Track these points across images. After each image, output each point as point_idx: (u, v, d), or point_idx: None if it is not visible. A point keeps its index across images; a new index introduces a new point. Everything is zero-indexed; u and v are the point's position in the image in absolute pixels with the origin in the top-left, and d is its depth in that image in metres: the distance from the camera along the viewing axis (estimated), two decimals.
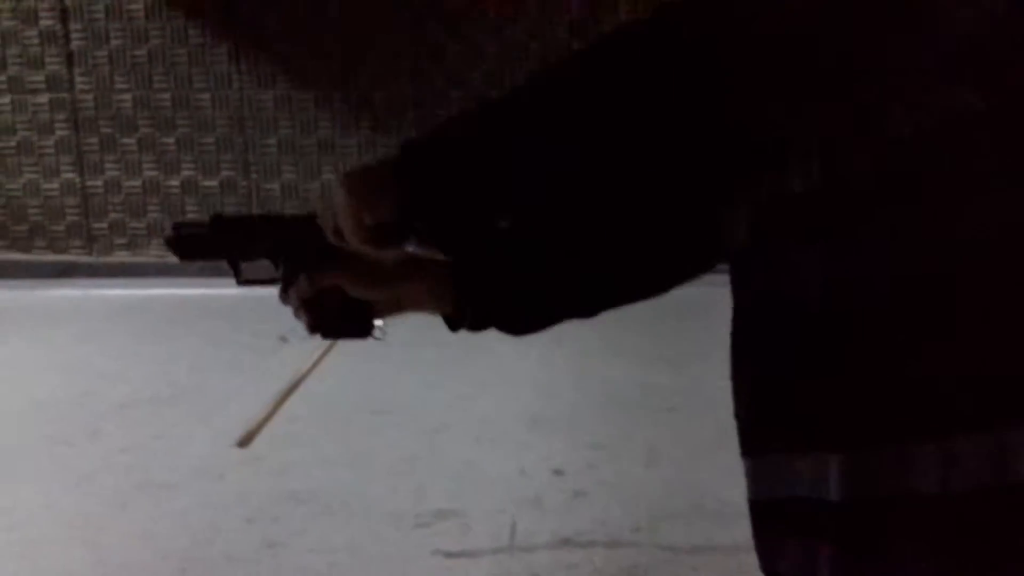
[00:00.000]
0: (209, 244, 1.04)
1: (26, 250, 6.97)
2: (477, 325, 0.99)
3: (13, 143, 6.91)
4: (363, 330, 1.03)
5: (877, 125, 0.76)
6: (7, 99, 6.85)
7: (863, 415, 0.80)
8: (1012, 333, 0.76)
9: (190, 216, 6.82)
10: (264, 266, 1.03)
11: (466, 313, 0.99)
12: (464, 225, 0.92)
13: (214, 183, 6.80)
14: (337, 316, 1.00)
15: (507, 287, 0.99)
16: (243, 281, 1.05)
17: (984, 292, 0.76)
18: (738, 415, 0.93)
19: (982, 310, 0.76)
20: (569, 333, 4.84)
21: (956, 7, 0.75)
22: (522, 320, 1.01)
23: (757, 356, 0.89)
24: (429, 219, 0.91)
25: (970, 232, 0.76)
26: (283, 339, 5.13)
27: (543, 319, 1.01)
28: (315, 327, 1.01)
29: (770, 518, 0.90)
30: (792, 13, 0.77)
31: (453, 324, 1.01)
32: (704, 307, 4.19)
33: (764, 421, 0.89)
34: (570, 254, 0.96)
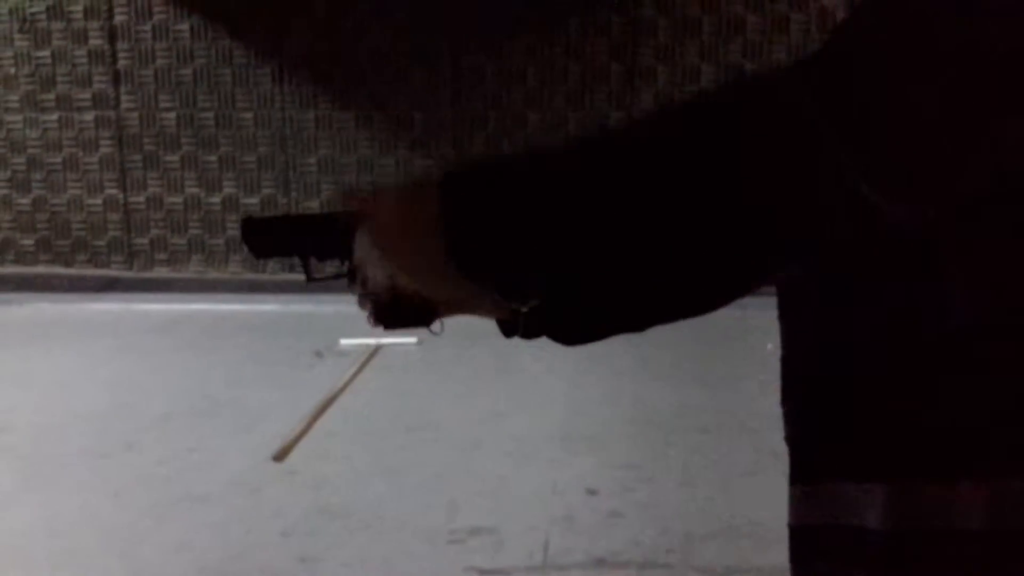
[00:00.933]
0: (281, 241, 1.06)
1: (69, 264, 7.09)
2: (530, 333, 0.99)
3: (59, 159, 7.04)
4: (422, 324, 1.03)
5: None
6: (55, 116, 7.00)
7: (913, 448, 0.81)
8: None
9: (230, 229, 6.91)
10: (331, 264, 1.04)
11: (520, 320, 0.99)
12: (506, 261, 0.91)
13: (255, 200, 6.89)
14: (399, 311, 1.01)
15: (562, 298, 0.99)
16: (312, 279, 1.06)
17: None
18: (789, 440, 0.94)
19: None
20: (602, 352, 4.81)
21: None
22: (575, 331, 1.01)
23: (811, 384, 0.90)
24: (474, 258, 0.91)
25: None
26: (319, 355, 5.17)
27: (595, 330, 1.02)
28: (378, 319, 1.02)
29: (809, 544, 0.91)
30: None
31: (507, 330, 1.01)
32: (739, 329, 4.19)
33: (816, 448, 0.90)
34: (622, 270, 0.96)
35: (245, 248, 1.06)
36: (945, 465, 0.79)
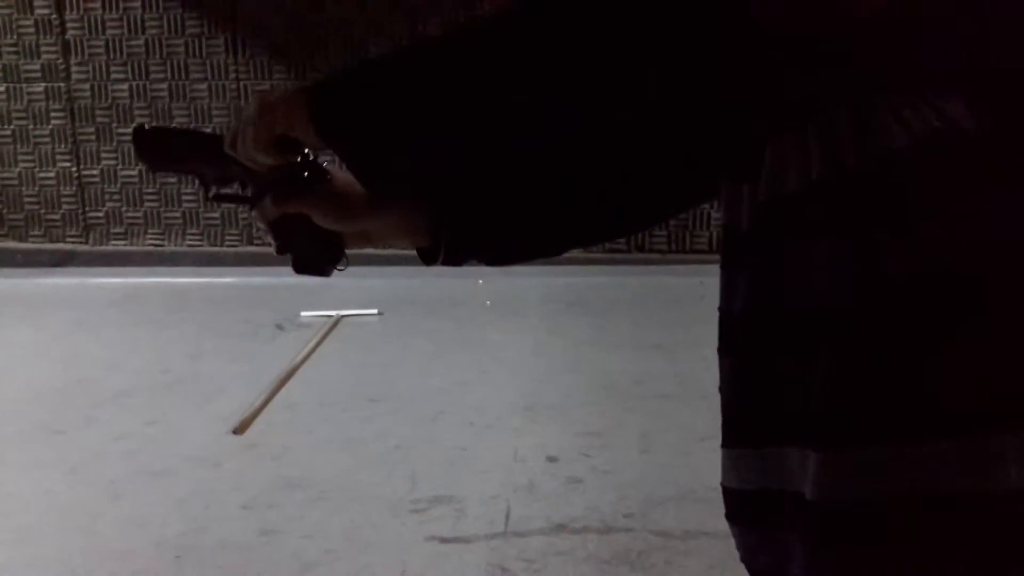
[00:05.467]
0: (179, 155, 1.02)
1: (22, 239, 6.97)
2: (453, 257, 0.97)
3: (8, 132, 6.90)
4: (330, 259, 1.00)
5: (871, 129, 0.75)
6: (2, 88, 6.85)
7: (849, 414, 0.77)
8: (1014, 340, 0.74)
9: (186, 201, 6.83)
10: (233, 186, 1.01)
11: (441, 244, 0.96)
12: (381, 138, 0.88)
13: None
14: (305, 242, 0.99)
15: (487, 215, 0.95)
16: (213, 197, 1.03)
17: (990, 298, 0.74)
18: (724, 396, 0.91)
19: (989, 315, 0.74)
20: (563, 322, 4.89)
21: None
22: (502, 249, 0.98)
23: (748, 346, 0.86)
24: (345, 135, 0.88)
25: (976, 233, 0.73)
26: (279, 327, 5.14)
27: (522, 248, 0.99)
28: (282, 250, 1.00)
29: (743, 508, 0.90)
30: None
31: (428, 257, 0.99)
32: (697, 295, 4.23)
33: (748, 411, 0.87)
34: (553, 180, 0.91)
35: (138, 158, 1.02)
36: (880, 430, 0.76)
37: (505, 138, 0.86)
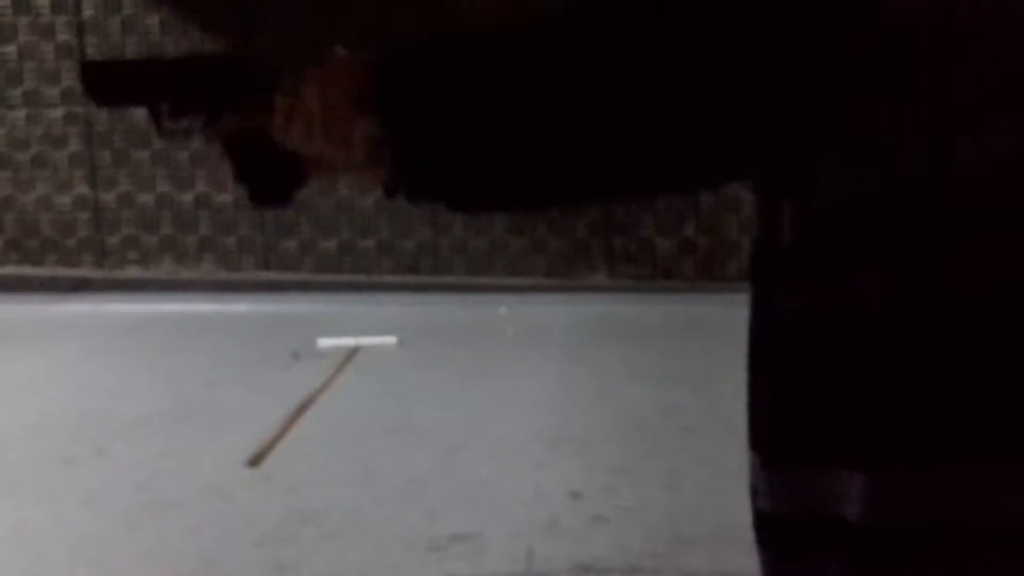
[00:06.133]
0: (128, 87, 0.95)
1: (39, 265, 6.94)
2: (416, 195, 0.89)
3: (27, 157, 6.89)
4: (288, 187, 0.94)
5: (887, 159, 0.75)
6: (22, 113, 6.84)
7: (900, 436, 0.76)
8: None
9: (203, 227, 6.79)
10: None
11: (403, 179, 0.88)
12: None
13: (227, 198, 6.75)
14: (264, 165, 0.92)
15: (455, 152, 0.87)
16: (164, 132, 0.96)
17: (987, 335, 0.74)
18: (752, 413, 0.87)
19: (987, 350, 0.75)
20: (587, 352, 4.78)
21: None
22: (470, 194, 0.90)
23: (782, 369, 0.84)
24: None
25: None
26: (295, 356, 5.06)
27: (493, 196, 0.91)
28: (240, 176, 0.93)
29: (778, 532, 0.86)
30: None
31: (389, 191, 0.91)
32: (725, 325, 4.12)
33: (792, 431, 0.84)
34: (537, 120, 0.84)
35: (87, 94, 0.95)
36: (926, 455, 0.75)
37: (503, 71, 0.83)
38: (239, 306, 6.02)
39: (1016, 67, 0.72)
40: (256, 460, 3.78)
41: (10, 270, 6.91)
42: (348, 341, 5.20)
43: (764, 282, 0.86)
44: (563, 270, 6.47)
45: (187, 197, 6.81)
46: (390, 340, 5.26)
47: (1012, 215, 0.73)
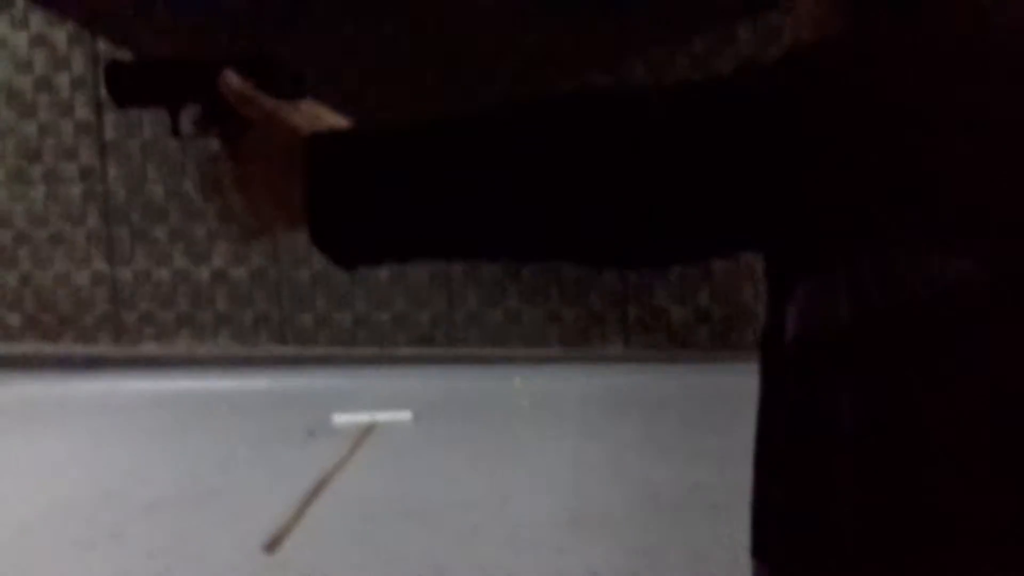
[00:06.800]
0: (148, 88, 0.95)
1: (55, 341, 6.96)
2: (322, 237, 0.84)
3: (45, 234, 6.94)
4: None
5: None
6: (41, 190, 6.92)
7: (881, 541, 0.77)
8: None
9: (219, 302, 6.80)
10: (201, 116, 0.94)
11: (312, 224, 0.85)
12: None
13: (243, 272, 6.79)
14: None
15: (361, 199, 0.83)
16: (182, 134, 0.96)
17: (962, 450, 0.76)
18: (754, 510, 0.89)
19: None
20: (604, 426, 4.71)
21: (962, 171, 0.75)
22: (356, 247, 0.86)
23: (778, 471, 0.86)
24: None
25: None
26: (311, 433, 5.03)
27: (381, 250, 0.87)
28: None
29: None
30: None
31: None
32: (742, 395, 4.07)
33: (778, 528, 0.86)
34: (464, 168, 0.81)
35: (108, 96, 0.96)
36: (912, 557, 0.76)
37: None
38: (255, 382, 6.01)
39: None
40: (272, 545, 3.73)
41: (27, 347, 6.93)
42: (363, 417, 5.17)
43: (767, 375, 0.87)
44: (578, 340, 6.44)
45: (204, 272, 6.84)
46: (405, 415, 5.23)
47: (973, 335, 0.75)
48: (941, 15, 0.75)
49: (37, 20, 6.83)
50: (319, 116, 0.90)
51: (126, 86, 0.95)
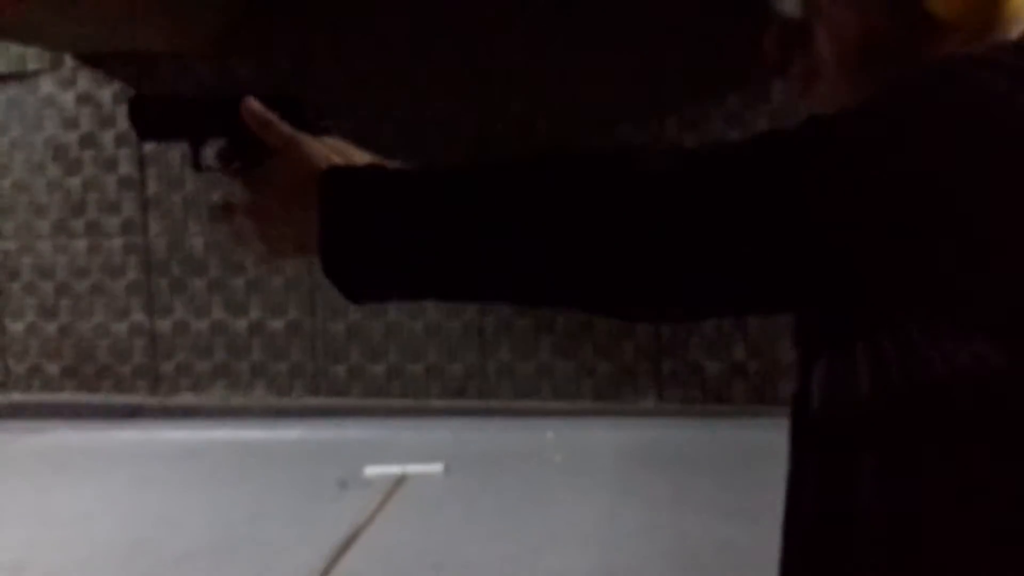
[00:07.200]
0: (170, 122, 0.96)
1: (94, 391, 7.05)
2: (334, 266, 0.84)
3: (86, 285, 7.07)
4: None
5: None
6: (83, 243, 7.06)
7: None
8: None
9: (255, 353, 6.86)
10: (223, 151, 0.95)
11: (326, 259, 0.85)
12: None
13: (280, 323, 6.86)
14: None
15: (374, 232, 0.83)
16: (203, 168, 0.96)
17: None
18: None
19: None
20: (638, 481, 4.67)
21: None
22: (369, 283, 0.85)
23: (805, 541, 0.86)
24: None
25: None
26: (342, 484, 5.03)
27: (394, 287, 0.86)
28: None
29: None
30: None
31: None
32: (777, 452, 4.02)
33: None
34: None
35: (132, 129, 0.96)
36: None
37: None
38: (289, 432, 6.04)
39: None
40: None
41: (66, 397, 7.03)
42: (394, 469, 5.17)
43: (796, 443, 0.87)
44: (611, 394, 6.42)
45: (241, 323, 6.92)
46: (436, 468, 5.22)
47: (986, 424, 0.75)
48: (971, 88, 0.72)
49: (84, 79, 7.03)
50: (341, 151, 0.91)
51: (149, 120, 0.97)
